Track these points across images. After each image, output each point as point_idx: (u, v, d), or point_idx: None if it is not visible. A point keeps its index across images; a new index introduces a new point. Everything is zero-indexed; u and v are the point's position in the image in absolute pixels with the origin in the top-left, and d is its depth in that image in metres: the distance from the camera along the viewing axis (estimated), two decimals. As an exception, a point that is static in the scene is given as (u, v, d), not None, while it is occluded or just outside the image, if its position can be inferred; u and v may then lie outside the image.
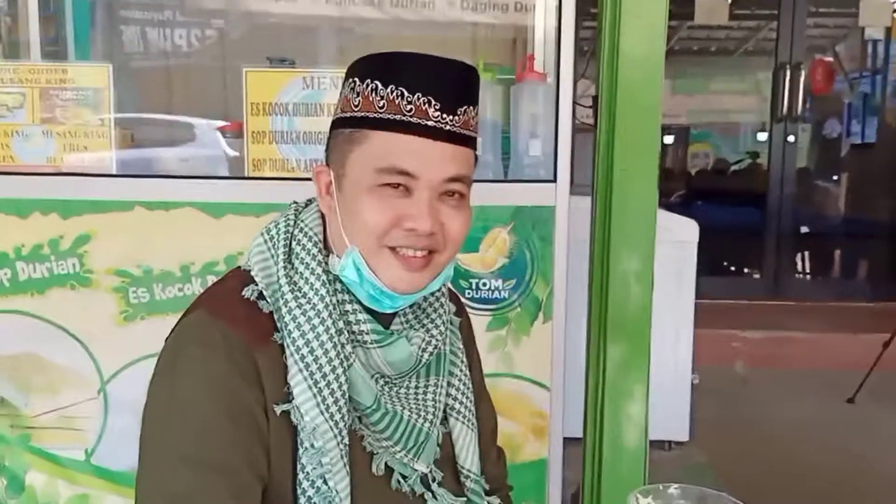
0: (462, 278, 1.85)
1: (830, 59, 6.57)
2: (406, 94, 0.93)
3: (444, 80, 0.95)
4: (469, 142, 0.98)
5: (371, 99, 0.95)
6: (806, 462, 3.07)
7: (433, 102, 0.93)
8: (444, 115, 0.94)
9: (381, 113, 0.94)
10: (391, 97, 0.94)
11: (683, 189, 6.52)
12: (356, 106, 0.96)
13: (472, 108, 0.98)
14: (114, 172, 1.85)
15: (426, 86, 0.93)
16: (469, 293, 1.86)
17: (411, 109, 0.93)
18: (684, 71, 7.19)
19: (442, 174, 0.95)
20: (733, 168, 6.94)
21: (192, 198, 1.80)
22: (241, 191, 1.80)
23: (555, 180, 1.82)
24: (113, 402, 1.88)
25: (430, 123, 0.94)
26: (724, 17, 5.23)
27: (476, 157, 1.02)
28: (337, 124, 1.00)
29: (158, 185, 1.83)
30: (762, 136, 6.53)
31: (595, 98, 1.99)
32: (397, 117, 0.93)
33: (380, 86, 0.94)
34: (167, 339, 0.99)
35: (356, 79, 0.97)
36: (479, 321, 1.86)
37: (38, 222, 1.81)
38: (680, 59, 7.13)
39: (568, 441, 2.01)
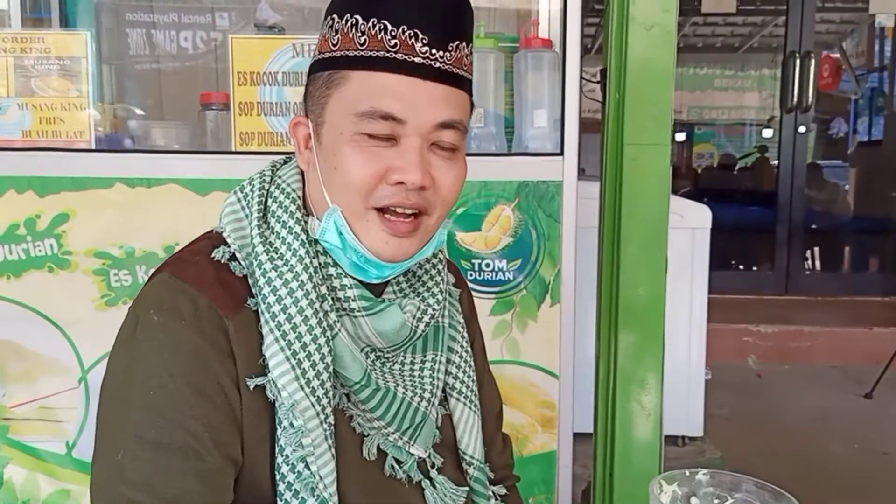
0: (464, 259, 1.74)
1: (837, 55, 6.48)
2: (389, 27, 0.82)
3: (433, 11, 0.83)
4: (463, 83, 0.87)
5: (351, 35, 0.83)
6: (824, 456, 2.96)
7: (420, 36, 0.82)
8: (434, 51, 0.83)
9: (361, 50, 0.83)
10: (373, 32, 0.82)
11: (690, 187, 6.44)
12: (334, 45, 0.85)
13: (464, 44, 0.86)
14: (93, 147, 1.74)
15: (412, 18, 0.82)
16: (471, 275, 1.75)
17: (396, 45, 0.82)
18: (688, 69, 7.11)
19: (432, 118, 0.84)
20: (741, 163, 6.84)
21: (175, 174, 1.69)
22: (228, 166, 1.69)
23: (562, 153, 1.70)
24: (95, 391, 1.77)
25: (417, 60, 0.82)
26: (731, 7, 5.13)
27: (472, 105, 0.90)
28: (314, 68, 0.89)
29: (140, 161, 1.72)
30: (767, 133, 6.45)
31: (603, 71, 1.88)
32: (380, 54, 0.82)
33: (360, 20, 0.83)
34: (129, 307, 0.87)
35: (335, 15, 0.86)
36: (483, 305, 1.75)
37: (14, 200, 1.71)
38: (684, 56, 7.04)
39: (577, 437, 1.90)
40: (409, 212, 0.86)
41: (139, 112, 1.85)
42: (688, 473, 0.81)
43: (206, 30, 1.99)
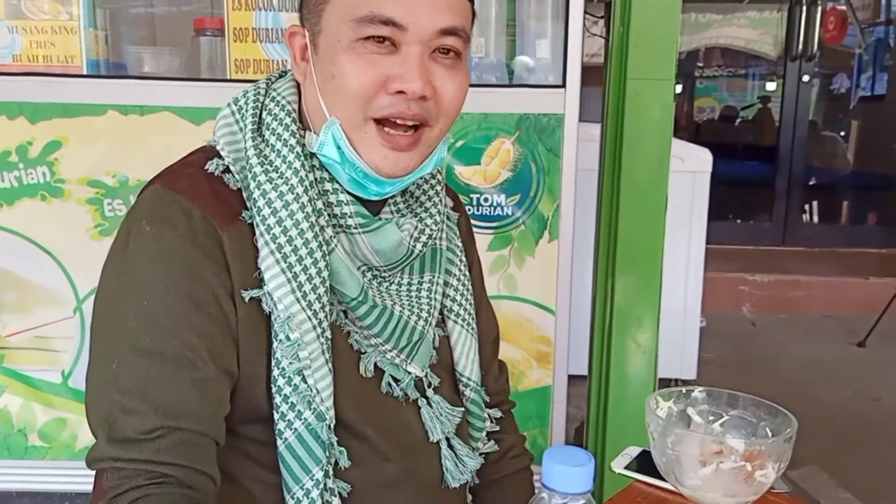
0: (462, 193, 1.72)
1: (843, 7, 6.36)
2: None
3: None
4: None
5: None
6: (816, 402, 2.98)
7: None
8: None
9: None
10: None
11: (691, 137, 6.38)
12: None
13: None
14: (84, 73, 1.70)
15: None
16: (469, 209, 1.73)
17: None
18: (696, 19, 6.98)
19: (434, 24, 0.81)
20: (742, 115, 6.78)
21: (169, 101, 1.67)
22: (223, 94, 1.64)
23: (563, 86, 1.67)
24: (89, 321, 1.76)
25: None
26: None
27: (474, 13, 0.88)
28: None
29: (132, 88, 1.68)
30: (771, 86, 6.37)
31: (608, 5, 1.84)
32: None
33: None
34: (122, 220, 0.86)
35: None
36: (480, 240, 1.72)
37: (5, 126, 1.68)
38: (690, 6, 6.92)
39: (571, 378, 1.90)
40: (410, 124, 0.83)
41: (132, 38, 1.81)
42: (684, 391, 0.81)
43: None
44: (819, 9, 4.86)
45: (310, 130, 0.87)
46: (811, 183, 5.35)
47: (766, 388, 3.04)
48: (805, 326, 4.00)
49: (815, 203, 5.45)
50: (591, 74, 2.11)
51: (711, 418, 0.81)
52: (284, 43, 0.91)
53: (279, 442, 0.83)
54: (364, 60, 0.81)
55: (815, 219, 5.47)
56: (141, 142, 1.67)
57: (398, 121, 0.83)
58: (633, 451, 0.96)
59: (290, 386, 0.82)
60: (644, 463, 0.93)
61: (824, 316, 4.15)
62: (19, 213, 1.72)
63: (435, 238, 0.94)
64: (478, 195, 1.74)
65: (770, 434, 0.75)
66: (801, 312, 4.20)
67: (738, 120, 6.84)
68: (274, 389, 0.82)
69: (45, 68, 1.70)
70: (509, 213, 1.74)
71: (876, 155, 5.66)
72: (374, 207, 0.91)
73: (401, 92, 0.81)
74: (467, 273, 1.03)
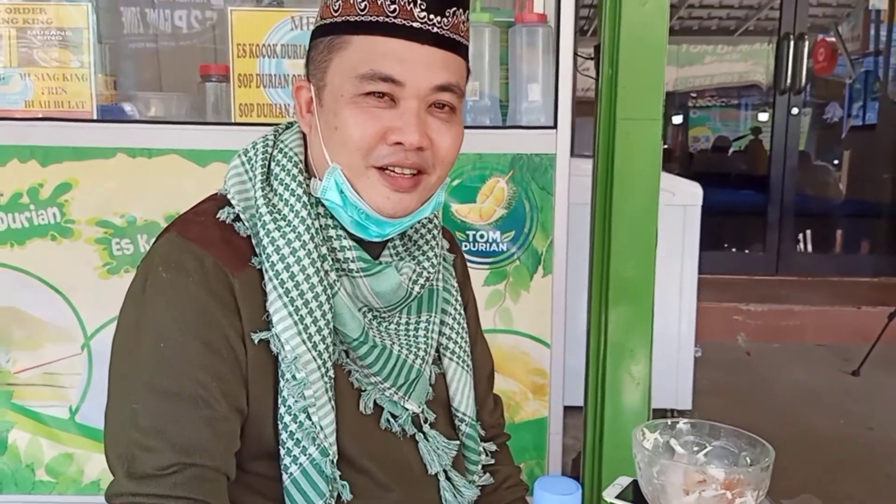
0: (458, 230, 1.78)
1: (833, 38, 6.49)
2: None
3: None
4: (459, 48, 0.90)
5: (352, 2, 0.87)
6: (810, 431, 3.01)
7: (419, 2, 0.86)
8: (431, 17, 0.86)
9: (362, 15, 0.86)
10: None
11: (686, 168, 6.48)
12: (336, 11, 0.89)
13: (461, 10, 0.90)
14: (94, 118, 1.77)
15: None
16: (466, 246, 1.79)
17: (395, 10, 0.85)
18: (687, 50, 7.12)
19: (429, 81, 0.87)
20: (735, 146, 6.89)
21: (175, 144, 1.73)
22: (228, 137, 1.73)
23: (555, 127, 1.74)
24: (97, 357, 1.81)
25: (415, 25, 0.86)
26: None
27: (468, 70, 0.94)
28: (316, 34, 0.92)
29: (141, 131, 1.75)
30: (762, 117, 6.49)
31: (597, 48, 1.91)
32: (380, 19, 0.86)
33: None
34: (138, 266, 0.91)
35: None
36: (477, 275, 1.79)
37: (17, 170, 1.74)
38: (681, 39, 7.06)
39: (567, 410, 1.94)
40: (409, 171, 0.89)
41: (139, 84, 1.88)
42: (669, 423, 0.86)
43: (200, 9, 2.02)
44: (807, 43, 4.97)
45: (315, 177, 0.93)
46: (804, 212, 5.41)
47: (761, 416, 3.10)
48: (799, 355, 4.03)
49: (808, 232, 5.51)
50: (587, 107, 2.18)
51: (696, 449, 0.85)
52: (292, 96, 0.97)
53: (285, 476, 0.87)
54: (365, 114, 0.87)
55: (809, 248, 5.53)
56: (148, 183, 1.73)
57: (397, 169, 0.89)
58: (624, 480, 1.00)
59: (296, 423, 0.87)
60: (634, 492, 0.97)
61: (818, 345, 4.18)
62: (30, 252, 1.77)
63: (432, 279, 1.00)
64: (474, 232, 1.80)
65: (750, 463, 0.80)
66: (796, 342, 4.23)
67: (732, 150, 6.95)
68: (280, 426, 0.87)
69: (56, 113, 1.76)
70: (504, 248, 1.80)
71: (867, 184, 5.73)
72: (374, 251, 0.96)
73: (399, 143, 0.87)
74: (462, 312, 1.08)
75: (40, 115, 1.76)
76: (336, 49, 0.89)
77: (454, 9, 0.88)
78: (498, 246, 1.80)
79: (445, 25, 0.87)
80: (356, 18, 0.87)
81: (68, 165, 1.73)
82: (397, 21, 0.85)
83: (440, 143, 0.90)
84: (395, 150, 0.88)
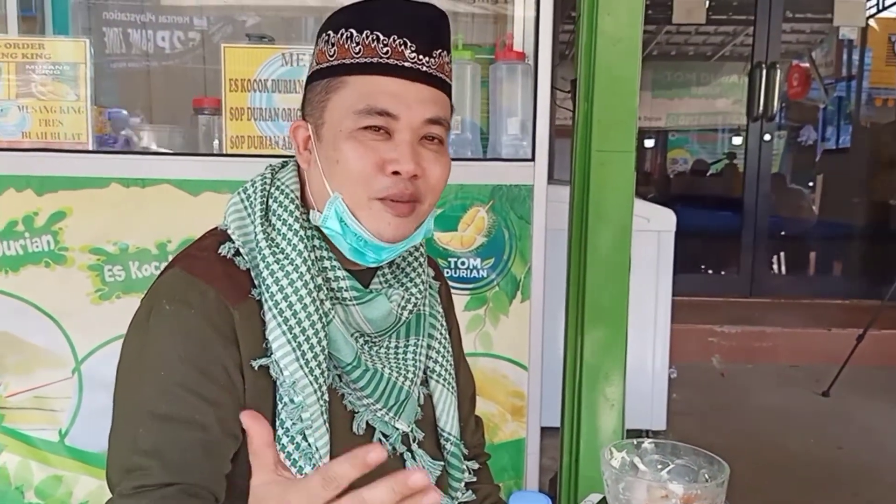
0: (440, 257, 1.85)
1: (807, 64, 6.68)
2: (381, 37, 0.94)
3: (418, 22, 0.96)
4: (445, 86, 0.99)
5: (347, 46, 0.95)
6: (781, 450, 3.10)
7: (409, 44, 0.94)
8: (421, 57, 0.95)
9: (357, 58, 0.94)
10: (367, 41, 0.94)
11: (663, 191, 6.61)
12: (332, 56, 0.96)
13: (445, 52, 0.99)
14: (90, 148, 1.83)
15: (401, 28, 0.94)
16: (448, 272, 1.86)
17: (388, 52, 0.94)
18: (664, 76, 7.29)
19: (421, 115, 0.95)
20: (712, 169, 7.04)
21: (168, 175, 1.79)
22: (219, 168, 1.79)
23: (533, 159, 1.82)
24: (87, 381, 1.86)
25: (406, 65, 0.94)
26: (701, 18, 5.30)
27: (452, 108, 1.02)
28: (313, 77, 1.00)
29: (134, 162, 1.81)
30: (737, 140, 6.65)
31: (574, 81, 2.01)
32: (374, 60, 0.94)
33: (355, 33, 0.95)
34: (142, 298, 0.98)
35: (330, 31, 0.97)
36: (458, 300, 1.85)
37: (13, 198, 1.79)
38: (658, 64, 7.24)
39: (545, 431, 2.01)
40: (406, 201, 0.97)
41: (133, 115, 1.94)
42: (635, 442, 0.93)
43: (187, 31, 2.09)
44: (779, 71, 5.12)
45: (314, 209, 1.00)
46: (778, 234, 5.53)
47: (734, 436, 3.18)
48: (772, 376, 4.12)
49: (782, 254, 5.63)
50: (567, 132, 2.27)
51: (659, 467, 0.93)
52: (289, 136, 1.04)
53: (282, 496, 0.93)
54: (364, 146, 0.95)
55: (783, 270, 5.65)
56: (142, 212, 1.79)
57: (396, 199, 0.97)
58: (595, 497, 1.08)
59: (293, 444, 0.93)
60: (604, 508, 1.04)
61: (791, 366, 4.27)
62: (23, 279, 1.82)
63: (419, 305, 1.07)
64: (455, 259, 1.87)
65: (707, 479, 0.88)
66: (769, 363, 4.32)
67: (709, 173, 7.10)
68: (278, 447, 0.93)
69: (52, 144, 1.82)
70: (484, 275, 1.88)
71: (840, 206, 5.87)
72: (364, 279, 1.03)
73: (396, 172, 0.95)
74: (448, 336, 1.15)
75: (37, 146, 1.82)
76: (334, 89, 0.96)
77: (440, 50, 0.97)
78: (478, 272, 1.87)
79: (433, 65, 0.96)
80: (352, 61, 0.95)
81: (63, 194, 1.78)
82: (390, 61, 0.94)
83: (431, 172, 0.98)
84: (395, 182, 0.95)
